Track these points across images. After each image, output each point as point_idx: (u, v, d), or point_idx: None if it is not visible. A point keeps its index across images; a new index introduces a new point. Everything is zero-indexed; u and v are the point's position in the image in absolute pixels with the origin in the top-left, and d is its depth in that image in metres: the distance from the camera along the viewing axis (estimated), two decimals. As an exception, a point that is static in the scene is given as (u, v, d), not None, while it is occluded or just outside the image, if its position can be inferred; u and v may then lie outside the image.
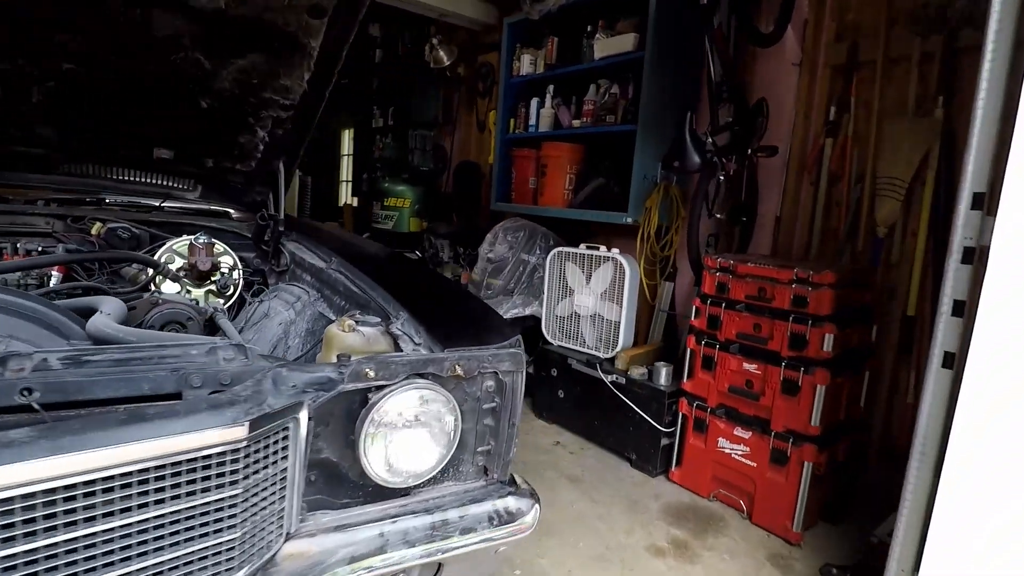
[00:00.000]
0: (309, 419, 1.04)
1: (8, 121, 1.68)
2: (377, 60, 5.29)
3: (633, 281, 3.18)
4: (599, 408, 3.15)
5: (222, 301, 1.99)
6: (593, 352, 3.29)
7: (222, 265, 2.03)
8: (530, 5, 3.49)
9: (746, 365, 2.50)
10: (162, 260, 1.92)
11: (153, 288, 1.89)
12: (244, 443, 0.88)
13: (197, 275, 1.96)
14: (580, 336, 3.39)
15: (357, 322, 1.39)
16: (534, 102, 3.88)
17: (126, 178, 2.15)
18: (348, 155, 6.75)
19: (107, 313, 1.33)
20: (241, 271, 2.08)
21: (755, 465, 2.48)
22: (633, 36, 3.20)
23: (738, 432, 2.54)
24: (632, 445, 2.99)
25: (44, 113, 1.68)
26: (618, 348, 3.19)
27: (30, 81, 1.54)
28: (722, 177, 2.76)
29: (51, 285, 1.65)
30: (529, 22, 3.82)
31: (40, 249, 1.81)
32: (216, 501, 0.87)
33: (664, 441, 2.84)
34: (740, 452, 2.54)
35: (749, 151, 2.78)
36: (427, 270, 2.24)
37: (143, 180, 2.18)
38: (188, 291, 1.98)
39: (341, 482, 1.16)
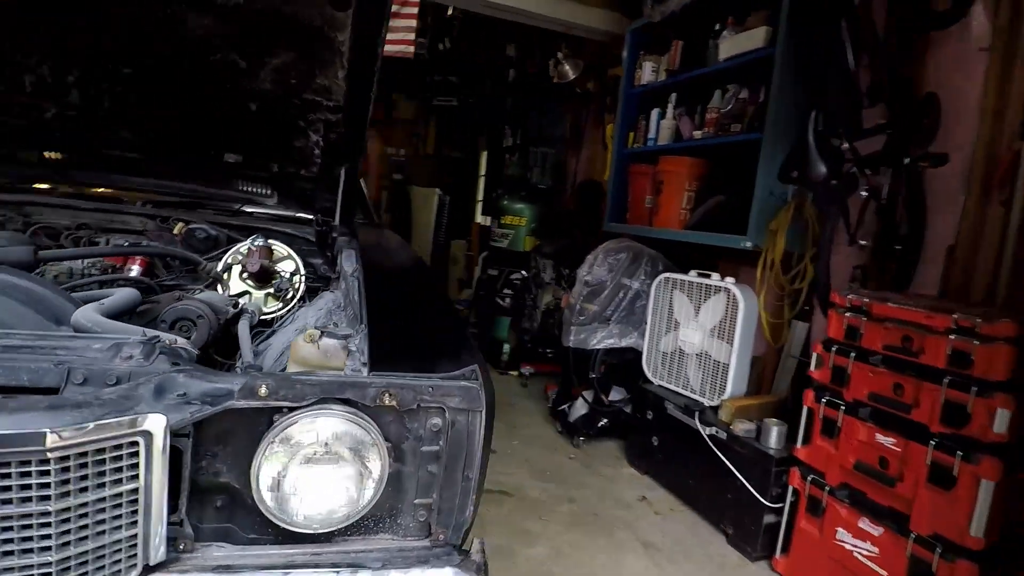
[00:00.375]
0: (185, 436, 0.89)
1: (93, 125, 1.82)
2: (511, 79, 5.31)
3: (748, 317, 2.66)
4: (696, 465, 2.66)
5: (280, 305, 1.98)
6: (696, 397, 2.81)
7: (280, 269, 2.03)
8: (651, 7, 3.19)
9: (880, 437, 1.90)
10: (229, 261, 1.95)
11: (220, 287, 1.92)
12: (54, 453, 0.74)
13: (254, 277, 1.95)
14: (684, 376, 2.93)
15: (323, 333, 1.23)
16: (654, 113, 3.52)
17: (213, 183, 2.25)
18: (483, 175, 6.88)
19: (101, 303, 1.31)
20: (303, 276, 2.06)
21: (886, 574, 1.85)
22: (764, 30, 2.72)
23: (865, 525, 1.93)
24: (730, 516, 2.45)
25: (120, 117, 1.80)
26: (725, 395, 2.68)
27: (100, 86, 1.65)
28: (864, 193, 2.18)
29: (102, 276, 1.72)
30: (653, 27, 3.50)
31: (127, 244, 1.93)
32: (22, 516, 0.74)
33: (768, 518, 2.29)
34: (866, 552, 1.92)
35: (907, 160, 2.17)
36: (432, 287, 2.03)
37: (229, 186, 2.27)
38: (249, 293, 1.98)
39: (248, 514, 0.99)
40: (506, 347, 4.43)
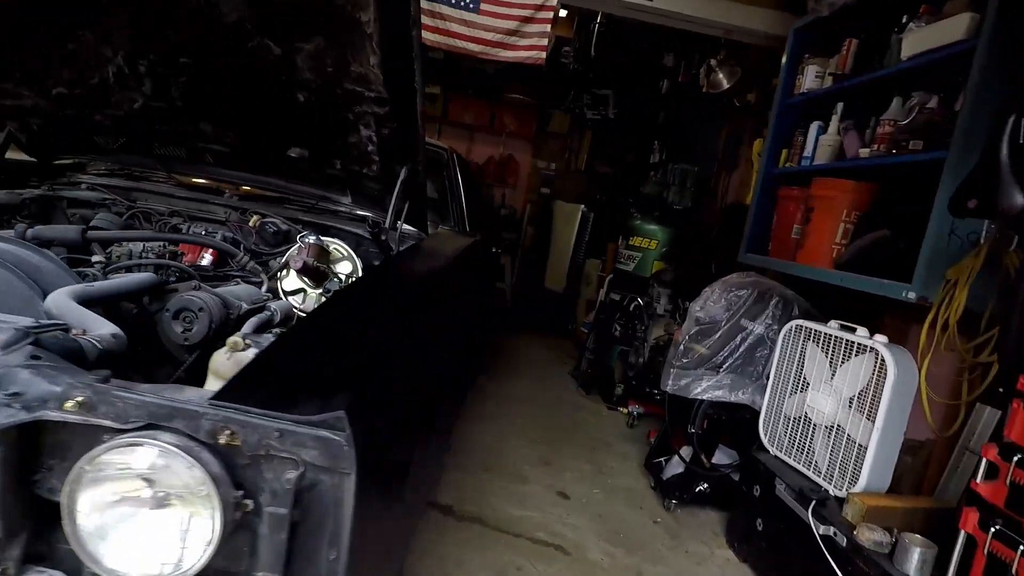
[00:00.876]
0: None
1: (173, 117, 1.91)
2: (663, 91, 4.89)
3: (902, 389, 2.02)
4: (806, 569, 2.07)
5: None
6: (820, 481, 2.21)
7: (337, 270, 1.98)
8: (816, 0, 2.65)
9: (1078, 608, 1.24)
10: (288, 258, 1.94)
11: (279, 281, 1.92)
12: None
13: (305, 275, 1.91)
14: (810, 451, 2.33)
15: (248, 344, 1.08)
16: (814, 127, 2.92)
17: (294, 180, 2.27)
18: (631, 193, 6.47)
19: (90, 285, 1.30)
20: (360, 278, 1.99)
21: None
22: (968, 17, 2.06)
23: None
24: (839, 651, 1.85)
25: (195, 109, 1.87)
26: (857, 487, 2.06)
27: (167, 75, 1.72)
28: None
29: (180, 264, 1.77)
30: (821, 25, 2.92)
31: (204, 232, 2.01)
32: None
33: (893, 672, 1.66)
34: None
35: None
36: (439, 306, 1.77)
37: (309, 183, 2.28)
38: (304, 291, 1.96)
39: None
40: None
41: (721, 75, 3.93)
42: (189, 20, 1.51)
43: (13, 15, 1.61)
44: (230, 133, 1.97)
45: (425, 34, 3.69)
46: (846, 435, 2.16)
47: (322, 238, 2.05)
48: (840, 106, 2.79)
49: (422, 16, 3.66)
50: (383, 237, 1.95)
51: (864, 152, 2.56)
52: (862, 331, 2.17)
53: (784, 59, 3.18)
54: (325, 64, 1.55)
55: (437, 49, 6.27)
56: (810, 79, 2.97)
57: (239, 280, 1.81)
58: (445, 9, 3.63)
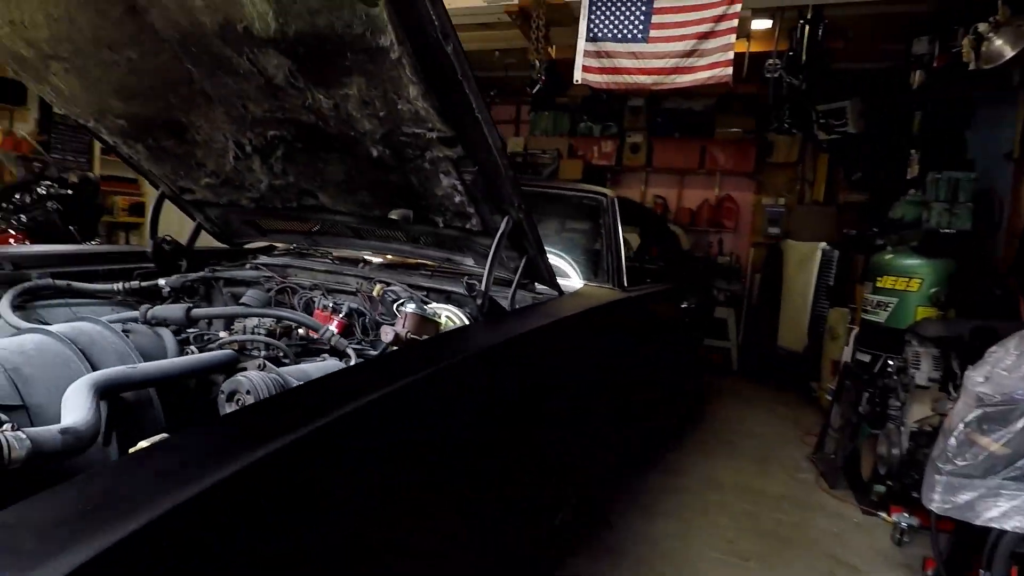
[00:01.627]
0: None
1: (292, 192, 1.92)
2: (917, 86, 3.72)
3: None
4: None
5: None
6: None
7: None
8: None
9: None
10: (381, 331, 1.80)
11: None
12: None
13: (402, 346, 1.73)
14: None
15: None
16: None
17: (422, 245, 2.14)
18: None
19: (133, 367, 1.24)
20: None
21: None
22: None
23: None
24: None
25: (302, 183, 1.84)
26: None
27: (267, 153, 1.71)
28: None
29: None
30: None
31: (332, 305, 1.99)
32: None
33: None
34: None
35: None
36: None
37: (437, 248, 2.13)
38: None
39: None
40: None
41: (999, 42, 2.77)
42: (255, 89, 1.45)
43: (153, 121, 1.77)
44: (343, 201, 1.91)
45: (590, 76, 3.42)
46: None
47: (431, 306, 1.86)
48: None
49: (587, 57, 3.41)
50: (479, 301, 1.64)
51: None
52: None
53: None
54: (375, 107, 1.35)
55: (635, 95, 5.97)
56: None
57: (326, 356, 1.68)
58: (610, 46, 3.31)
